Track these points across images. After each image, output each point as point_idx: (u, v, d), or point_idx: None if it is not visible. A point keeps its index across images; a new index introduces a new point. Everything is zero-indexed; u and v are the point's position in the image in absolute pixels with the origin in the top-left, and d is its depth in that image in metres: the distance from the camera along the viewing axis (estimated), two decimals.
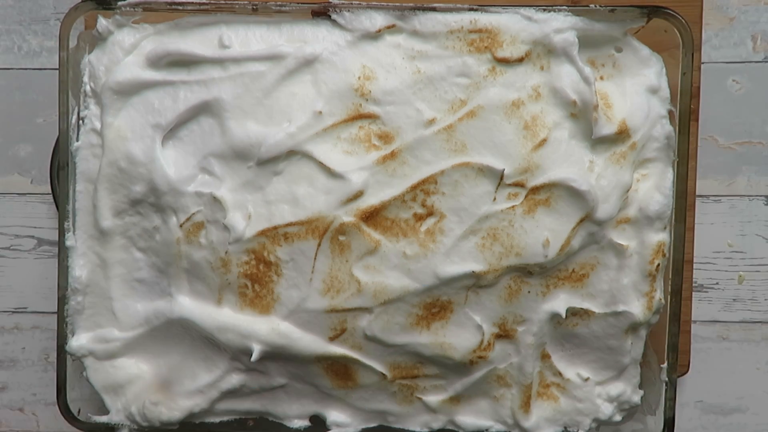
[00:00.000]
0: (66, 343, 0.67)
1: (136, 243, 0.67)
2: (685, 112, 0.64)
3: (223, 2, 0.64)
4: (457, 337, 0.65)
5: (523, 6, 0.62)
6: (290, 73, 0.63)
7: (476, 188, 0.63)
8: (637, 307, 0.65)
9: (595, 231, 0.64)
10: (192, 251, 0.65)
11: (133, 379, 0.68)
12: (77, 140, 0.66)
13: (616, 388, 0.68)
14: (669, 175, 0.65)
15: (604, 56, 0.65)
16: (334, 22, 0.64)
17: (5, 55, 0.81)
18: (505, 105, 0.62)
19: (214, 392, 0.68)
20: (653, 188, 0.65)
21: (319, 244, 0.63)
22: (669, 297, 0.66)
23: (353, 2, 0.63)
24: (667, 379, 0.66)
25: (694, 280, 0.80)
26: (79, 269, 0.67)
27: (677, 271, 0.65)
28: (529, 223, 0.63)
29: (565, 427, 0.69)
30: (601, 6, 0.62)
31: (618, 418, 0.69)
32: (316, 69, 0.63)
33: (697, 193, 0.79)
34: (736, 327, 0.82)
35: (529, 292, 0.65)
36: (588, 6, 0.63)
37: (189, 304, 0.66)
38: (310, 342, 0.65)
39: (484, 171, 0.63)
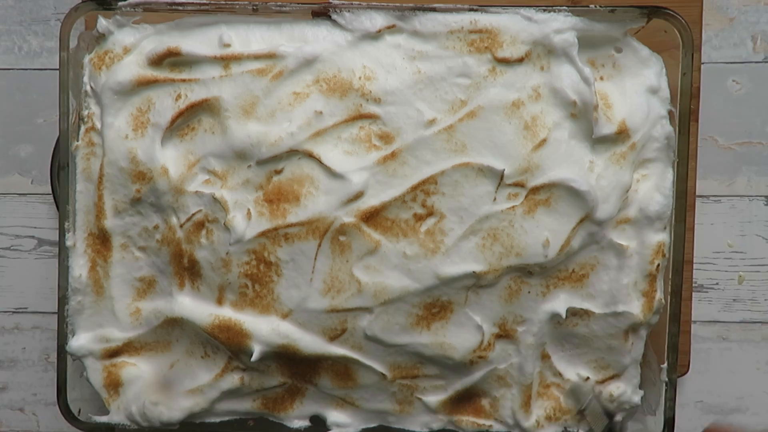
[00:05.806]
0: (66, 343, 0.67)
1: (136, 243, 0.67)
2: (685, 113, 0.64)
3: (223, 2, 0.64)
4: (457, 337, 0.65)
5: (523, 6, 0.63)
6: (290, 73, 0.63)
7: (476, 188, 0.63)
8: (637, 308, 0.65)
9: (595, 231, 0.64)
10: (192, 251, 0.65)
11: (133, 379, 0.68)
12: (77, 140, 0.66)
13: (617, 388, 0.68)
14: (669, 176, 0.65)
15: (604, 56, 0.65)
16: (334, 23, 0.64)
17: (6, 55, 0.81)
18: (505, 105, 0.62)
19: (214, 392, 0.68)
20: (653, 188, 0.65)
21: (319, 245, 0.63)
22: (669, 297, 0.66)
23: (353, 2, 0.63)
24: (667, 379, 0.66)
25: (694, 280, 0.80)
26: (79, 269, 0.67)
27: (677, 271, 0.65)
28: (529, 223, 0.63)
29: (565, 428, 0.69)
30: (601, 6, 0.62)
31: (618, 418, 0.69)
32: (317, 69, 0.63)
33: (697, 193, 0.79)
34: (736, 327, 0.82)
35: (529, 292, 0.65)
36: (588, 6, 0.63)
37: (189, 304, 0.66)
38: (311, 342, 0.65)
39: (485, 171, 0.63)
